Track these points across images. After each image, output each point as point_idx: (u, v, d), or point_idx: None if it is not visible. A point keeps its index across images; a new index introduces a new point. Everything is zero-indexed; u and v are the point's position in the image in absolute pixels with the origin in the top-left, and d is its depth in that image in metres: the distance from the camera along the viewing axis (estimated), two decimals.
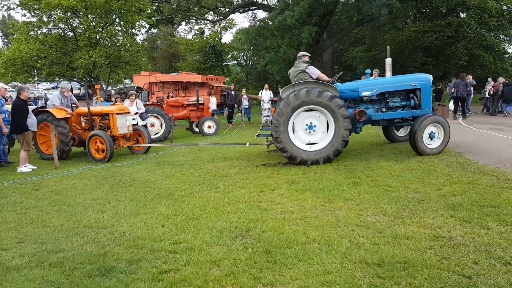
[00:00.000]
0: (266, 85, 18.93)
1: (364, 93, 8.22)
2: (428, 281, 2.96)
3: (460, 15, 27.59)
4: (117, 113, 9.70)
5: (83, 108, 10.40)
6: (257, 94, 20.51)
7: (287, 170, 7.21)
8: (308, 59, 8.51)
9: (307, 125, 7.88)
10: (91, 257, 3.68)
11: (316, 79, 8.06)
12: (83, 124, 10.35)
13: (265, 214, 4.71)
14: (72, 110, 10.25)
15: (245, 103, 18.82)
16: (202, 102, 15.67)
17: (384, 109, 8.35)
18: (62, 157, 9.65)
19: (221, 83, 22.97)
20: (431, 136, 7.86)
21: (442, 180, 5.84)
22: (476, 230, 3.89)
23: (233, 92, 19.88)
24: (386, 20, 25.71)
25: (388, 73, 8.88)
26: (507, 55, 29.82)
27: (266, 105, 17.48)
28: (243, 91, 19.97)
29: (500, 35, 28.91)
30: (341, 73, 8.40)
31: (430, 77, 8.53)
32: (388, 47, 9.36)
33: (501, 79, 18.59)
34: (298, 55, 8.64)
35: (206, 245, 3.83)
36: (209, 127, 15.07)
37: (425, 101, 8.26)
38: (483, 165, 6.77)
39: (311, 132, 7.92)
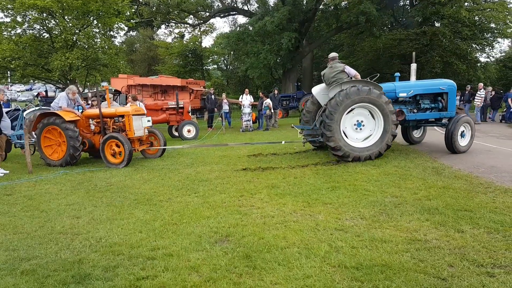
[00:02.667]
0: (247, 89, 18.99)
1: (401, 94, 8.73)
2: (405, 283, 3.01)
3: (435, 24, 28.43)
4: (133, 115, 9.20)
5: (92, 110, 9.88)
6: (238, 98, 20.53)
7: (267, 175, 7.23)
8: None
9: (355, 123, 8.21)
10: (65, 264, 3.58)
11: (353, 78, 8.40)
12: (92, 127, 9.80)
13: (245, 219, 4.69)
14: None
15: (226, 107, 18.80)
16: (181, 106, 15.56)
17: (415, 110, 8.91)
18: (72, 163, 9.12)
19: (201, 87, 22.89)
20: (462, 135, 8.52)
21: (418, 185, 5.97)
22: (451, 233, 3.99)
23: (213, 96, 19.82)
24: (364, 27, 26.24)
25: (413, 77, 9.44)
26: (479, 64, 30.87)
27: (247, 110, 17.51)
28: (224, 95, 19.94)
29: (473, 44, 29.93)
30: (378, 75, 8.75)
31: (455, 83, 9.25)
32: (414, 53, 9.93)
33: (489, 88, 19.35)
34: (330, 56, 8.97)
35: (185, 251, 3.78)
36: (188, 131, 14.96)
37: (451, 104, 8.97)
38: (457, 170, 6.97)
39: (360, 129, 8.26)
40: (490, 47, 32.86)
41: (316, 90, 9.43)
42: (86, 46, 23.75)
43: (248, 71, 27.50)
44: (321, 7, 27.37)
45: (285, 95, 26.44)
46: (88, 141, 9.47)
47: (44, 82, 28.96)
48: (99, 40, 25.19)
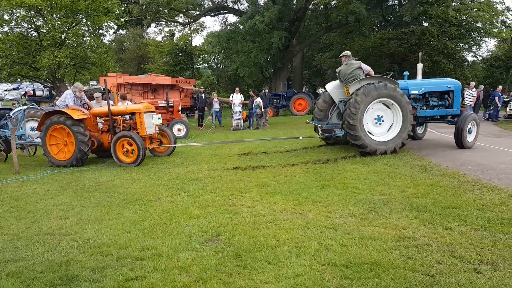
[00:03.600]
0: (237, 88, 18.93)
1: (413, 92, 9.10)
2: (394, 281, 3.04)
3: (423, 24, 28.69)
4: (144, 112, 8.96)
5: (100, 108, 9.61)
6: (228, 97, 20.48)
7: (258, 174, 7.22)
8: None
9: (376, 117, 8.52)
10: (52, 265, 3.53)
11: (367, 74, 8.76)
12: (100, 126, 9.49)
13: (235, 218, 4.68)
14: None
15: (216, 106, 18.74)
16: (171, 104, 15.46)
17: (424, 107, 9.36)
18: (82, 161, 8.88)
19: (192, 86, 22.78)
20: (469, 132, 9.06)
21: (407, 182, 6.03)
22: (439, 230, 4.03)
23: (203, 95, 19.74)
24: (353, 27, 26.36)
25: (419, 76, 9.90)
26: (466, 63, 31.25)
27: (237, 109, 17.48)
28: (214, 94, 19.88)
29: (460, 44, 30.28)
30: (392, 73, 9.11)
31: (459, 83, 9.79)
32: (420, 53, 10.48)
33: (481, 86, 19.61)
34: (345, 54, 9.21)
35: (175, 251, 3.76)
36: (178, 130, 14.89)
37: (456, 102, 9.50)
38: (445, 168, 7.05)
39: (379, 124, 8.58)
40: (477, 47, 33.28)
41: (330, 87, 9.74)
42: (75, 45, 23.46)
43: (239, 70, 27.44)
44: (310, 6, 27.43)
45: (275, 94, 26.46)
46: (97, 140, 9.16)
47: (31, 80, 28.53)
48: (88, 38, 24.91)
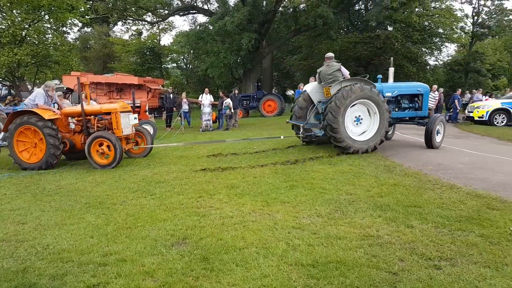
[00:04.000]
0: (207, 89, 18.80)
1: (387, 94, 9.53)
2: (358, 279, 3.10)
3: (388, 29, 29.61)
4: (121, 112, 8.60)
5: (73, 108, 9.10)
6: (198, 98, 20.28)
7: (227, 175, 7.19)
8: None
9: (355, 117, 8.86)
10: (8, 273, 3.37)
11: (345, 77, 9.15)
12: (72, 126, 9.01)
13: (203, 220, 4.63)
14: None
15: (185, 106, 18.53)
16: (138, 105, 15.14)
17: (396, 109, 9.91)
18: (52, 164, 8.39)
19: (160, 85, 22.41)
20: (437, 133, 9.54)
21: (371, 182, 6.18)
22: (401, 228, 4.16)
23: (171, 95, 19.46)
24: (321, 30, 26.82)
25: (391, 80, 10.47)
26: (428, 67, 32.52)
27: (207, 109, 17.34)
28: (183, 94, 19.64)
29: (423, 48, 31.49)
30: (368, 75, 9.62)
31: (428, 86, 10.44)
32: (392, 58, 11.05)
33: (441, 89, 20.39)
34: (327, 56, 9.56)
35: (140, 256, 3.67)
36: None
37: (425, 104, 10.11)
38: (407, 168, 7.28)
39: (358, 124, 8.93)
40: (439, 51, 34.84)
41: (309, 87, 10.09)
42: (37, 42, 22.52)
43: (208, 71, 27.28)
44: (280, 9, 27.70)
45: (245, 95, 26.49)
46: (69, 141, 8.72)
47: None
48: (50, 36, 23.98)
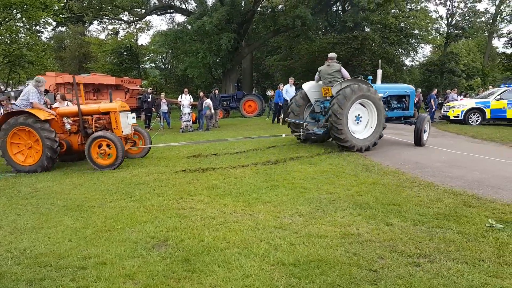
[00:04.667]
0: (186, 89, 18.63)
1: (379, 95, 9.65)
2: (339, 277, 3.14)
3: (365, 30, 30.10)
4: (120, 111, 8.40)
5: (68, 108, 8.76)
6: (177, 98, 20.10)
7: (208, 176, 7.15)
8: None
9: (355, 116, 9.20)
10: None
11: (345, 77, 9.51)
12: (68, 126, 8.67)
13: (184, 222, 4.60)
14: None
15: (164, 107, 18.33)
16: None
17: (387, 109, 10.18)
18: (48, 167, 8.12)
19: (138, 86, 22.12)
20: (424, 131, 9.96)
21: (350, 181, 6.27)
22: (381, 226, 4.23)
23: (150, 96, 19.23)
24: (300, 31, 27.01)
25: (379, 81, 10.85)
26: (404, 67, 33.21)
27: (186, 110, 17.20)
28: (162, 95, 19.43)
29: (399, 49, 32.13)
30: (362, 76, 9.72)
31: (414, 88, 11.07)
32: (380, 60, 11.50)
33: (419, 90, 20.84)
34: (329, 56, 9.86)
35: (120, 258, 3.62)
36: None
37: (411, 105, 10.77)
38: (386, 167, 7.41)
39: (358, 123, 9.31)
40: (415, 52, 35.64)
41: (307, 86, 10.33)
42: (9, 42, 21.87)
43: (187, 71, 27.07)
44: (259, 9, 27.74)
45: (225, 96, 26.43)
46: (66, 142, 8.44)
47: None
48: (23, 35, 23.33)
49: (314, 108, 10.05)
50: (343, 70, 9.57)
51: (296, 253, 3.60)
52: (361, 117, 9.35)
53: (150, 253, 3.72)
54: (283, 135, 10.43)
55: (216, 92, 19.11)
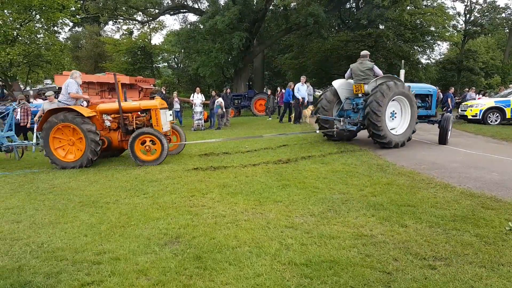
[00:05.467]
0: (198, 88, 18.74)
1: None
2: (352, 278, 3.11)
3: (380, 27, 29.75)
4: (160, 108, 8.59)
5: (108, 105, 8.99)
6: (189, 97, 20.22)
7: (219, 174, 7.18)
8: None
9: (390, 113, 9.40)
10: (3, 271, 3.36)
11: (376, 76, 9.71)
12: (107, 123, 8.86)
13: (196, 219, 4.62)
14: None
15: (177, 106, 18.45)
16: None
17: None
18: (90, 164, 8.29)
19: (151, 85, 22.28)
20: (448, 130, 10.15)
21: (364, 181, 6.20)
22: (395, 228, 4.17)
23: (163, 95, 19.35)
24: (312, 29, 26.85)
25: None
26: (420, 65, 32.71)
27: (198, 109, 17.30)
28: (175, 94, 19.55)
29: (415, 47, 31.64)
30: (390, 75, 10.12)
31: (436, 88, 11.32)
32: (402, 61, 11.87)
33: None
34: (362, 53, 10.00)
35: (133, 254, 3.66)
36: None
37: (434, 104, 10.92)
38: (401, 167, 7.32)
39: (393, 119, 9.56)
40: (431, 49, 35.03)
41: (337, 83, 10.47)
42: (28, 42, 22.31)
43: (199, 70, 27.20)
44: (271, 7, 27.69)
45: (236, 94, 26.45)
46: (107, 138, 8.64)
47: None
48: (42, 35, 23.76)
49: (344, 106, 10.25)
50: (376, 68, 9.71)
51: (308, 253, 3.58)
52: (395, 113, 9.60)
53: (163, 250, 3.75)
54: (317, 131, 10.52)
55: (228, 91, 19.16)
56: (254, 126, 17.24)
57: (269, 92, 21.83)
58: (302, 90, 16.38)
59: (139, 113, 8.89)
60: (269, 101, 22.55)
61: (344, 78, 10.45)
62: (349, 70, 10.15)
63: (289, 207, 5.03)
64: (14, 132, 10.01)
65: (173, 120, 9.41)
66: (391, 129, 9.40)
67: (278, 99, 21.24)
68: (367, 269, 3.26)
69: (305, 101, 16.83)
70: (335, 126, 9.92)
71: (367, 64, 9.67)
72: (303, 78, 16.91)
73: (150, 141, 8.26)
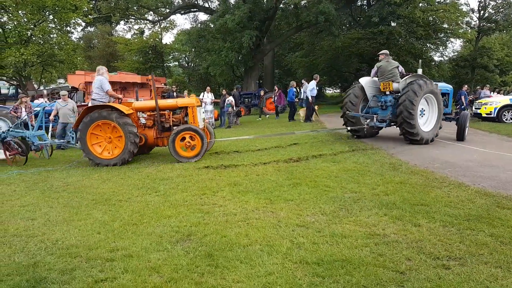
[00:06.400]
0: (208, 87, 18.79)
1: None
2: (364, 278, 3.08)
3: (391, 24, 29.42)
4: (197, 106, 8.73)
5: (143, 102, 9.07)
6: (198, 96, 20.27)
7: (230, 172, 7.19)
8: None
9: (419, 110, 9.60)
10: (19, 268, 3.41)
11: (402, 75, 10.07)
12: (142, 121, 8.95)
13: (207, 217, 4.64)
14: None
15: None
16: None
17: None
18: (128, 160, 8.35)
19: (162, 84, 22.43)
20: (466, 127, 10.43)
21: (376, 180, 6.15)
22: (408, 227, 4.13)
23: (174, 94, 19.48)
24: (323, 27, 26.68)
25: None
26: (433, 63, 32.26)
27: (209, 107, 17.35)
28: (185, 92, 19.64)
29: (427, 44, 31.19)
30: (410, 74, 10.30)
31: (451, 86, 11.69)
32: (420, 60, 12.18)
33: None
34: (384, 52, 10.41)
35: (145, 251, 3.69)
36: None
37: (450, 102, 11.19)
38: (413, 166, 7.24)
39: (422, 116, 9.81)
40: (444, 47, 34.48)
41: (364, 81, 10.69)
42: (42, 42, 22.65)
43: (210, 69, 27.27)
44: (281, 6, 27.58)
45: (246, 93, 26.44)
46: (144, 135, 8.71)
47: None
48: (55, 35, 24.11)
49: (370, 103, 10.43)
50: (401, 67, 10.10)
51: (320, 252, 3.56)
52: (424, 111, 9.87)
53: (175, 247, 3.78)
54: (348, 129, 10.61)
55: (238, 90, 19.21)
56: (265, 125, 17.23)
57: (276, 89, 21.74)
58: (312, 87, 16.43)
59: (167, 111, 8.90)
60: (263, 101, 22.66)
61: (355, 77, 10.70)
62: (375, 68, 10.34)
63: (300, 205, 5.01)
64: (44, 131, 10.15)
65: (206, 117, 9.51)
66: (422, 126, 9.65)
67: (276, 98, 21.24)
68: (380, 268, 3.23)
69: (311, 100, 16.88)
70: (365, 123, 10.15)
71: (393, 63, 9.99)
72: (316, 77, 16.99)
73: (189, 137, 8.38)
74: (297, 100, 18.87)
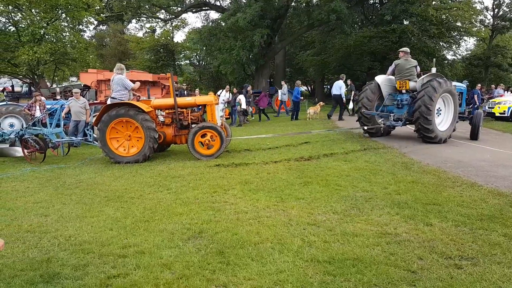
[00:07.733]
0: (228, 86, 18.87)
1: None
2: (376, 277, 3.08)
3: (404, 22, 29.10)
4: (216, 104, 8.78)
5: (162, 100, 9.18)
6: (208, 93, 20.32)
7: (241, 171, 7.21)
8: None
9: (436, 109, 9.51)
10: (33, 263, 3.47)
11: (419, 74, 10.04)
12: (161, 118, 8.89)
13: (218, 215, 4.67)
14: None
15: None
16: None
17: None
18: (148, 157, 8.41)
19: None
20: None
21: (388, 179, 6.11)
22: (420, 226, 4.10)
23: (185, 92, 19.57)
24: (335, 25, 26.52)
25: None
26: (446, 61, 31.84)
27: (220, 106, 17.35)
28: (197, 91, 19.72)
29: (440, 42, 30.79)
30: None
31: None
32: (434, 59, 12.23)
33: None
34: (405, 50, 10.33)
35: (157, 248, 3.73)
36: None
37: (463, 101, 11.21)
38: (426, 165, 7.17)
39: (438, 115, 9.75)
40: (457, 45, 34.00)
41: (380, 79, 10.63)
42: (55, 40, 22.97)
43: (221, 67, 27.31)
44: (293, 4, 27.50)
45: (257, 91, 26.41)
46: (163, 133, 8.73)
47: (10, 76, 27.82)
48: (67, 34, 24.43)
49: (386, 101, 10.36)
50: (418, 67, 10.07)
51: (331, 251, 3.56)
52: (440, 110, 9.84)
53: (186, 244, 3.81)
54: (365, 128, 10.58)
55: (249, 89, 19.22)
56: (275, 123, 17.22)
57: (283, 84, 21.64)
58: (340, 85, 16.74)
59: (179, 109, 8.89)
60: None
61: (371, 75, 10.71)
62: (392, 66, 10.30)
63: (311, 204, 5.01)
64: (61, 128, 10.28)
65: (223, 115, 9.58)
66: (438, 125, 9.63)
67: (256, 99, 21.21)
68: (391, 267, 3.22)
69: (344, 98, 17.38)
70: (381, 122, 10.11)
71: (412, 62, 9.95)
72: (342, 76, 17.52)
73: (210, 136, 8.43)
74: (301, 98, 19.33)
